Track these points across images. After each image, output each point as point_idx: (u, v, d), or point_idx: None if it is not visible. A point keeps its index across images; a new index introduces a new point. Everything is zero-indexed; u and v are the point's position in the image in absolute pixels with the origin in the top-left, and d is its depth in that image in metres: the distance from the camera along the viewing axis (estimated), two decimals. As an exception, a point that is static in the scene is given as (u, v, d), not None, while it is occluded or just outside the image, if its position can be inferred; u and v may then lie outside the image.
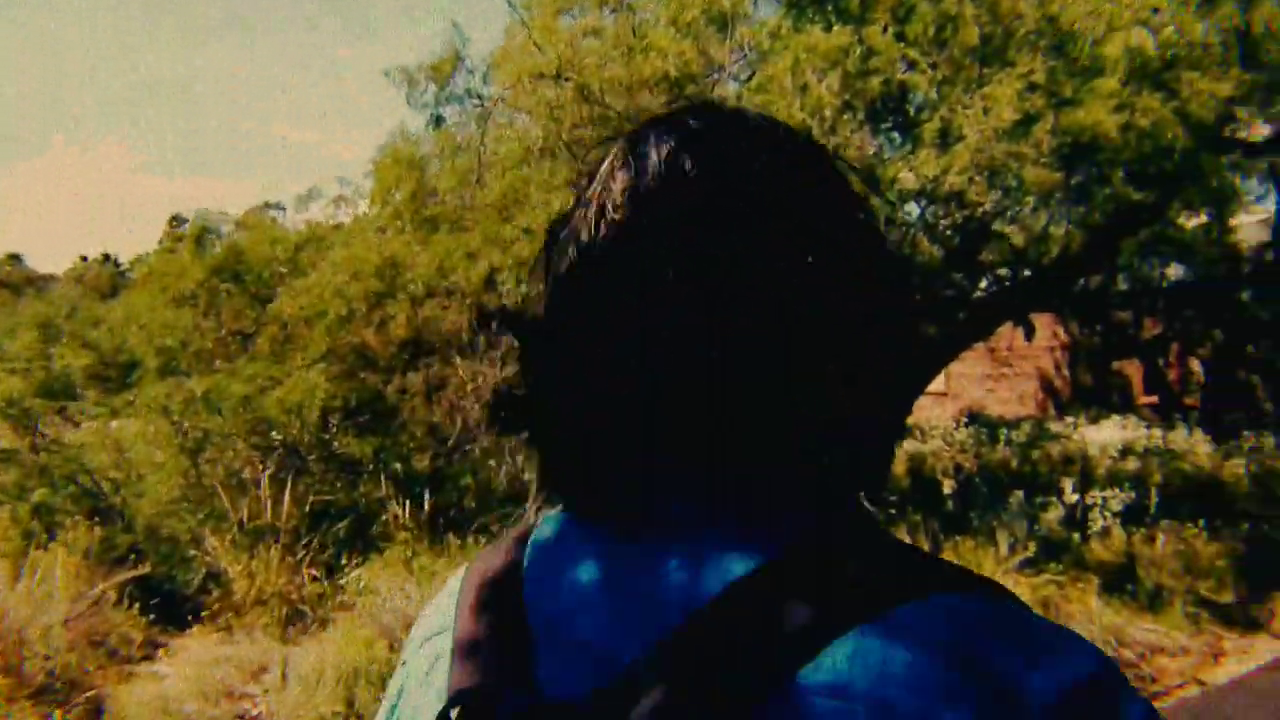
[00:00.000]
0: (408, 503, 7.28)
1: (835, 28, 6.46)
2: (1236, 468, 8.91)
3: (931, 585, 0.53)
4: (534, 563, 0.63)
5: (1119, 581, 6.66)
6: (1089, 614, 5.89)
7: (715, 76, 7.26)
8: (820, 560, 0.54)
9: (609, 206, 0.60)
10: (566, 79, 6.42)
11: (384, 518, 7.40)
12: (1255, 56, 6.10)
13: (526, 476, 7.62)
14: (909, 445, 11.73)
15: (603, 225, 0.60)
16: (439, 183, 8.58)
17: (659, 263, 0.57)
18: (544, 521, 0.66)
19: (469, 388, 7.56)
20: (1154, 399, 15.27)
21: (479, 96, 9.17)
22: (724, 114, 0.64)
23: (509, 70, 6.93)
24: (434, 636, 0.65)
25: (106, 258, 41.27)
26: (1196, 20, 6.00)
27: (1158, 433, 11.16)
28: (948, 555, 5.39)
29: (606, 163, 0.63)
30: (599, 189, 0.62)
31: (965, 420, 14.66)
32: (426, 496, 7.37)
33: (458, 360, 7.76)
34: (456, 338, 7.83)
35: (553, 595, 0.60)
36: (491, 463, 7.85)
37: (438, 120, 9.73)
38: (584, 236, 0.61)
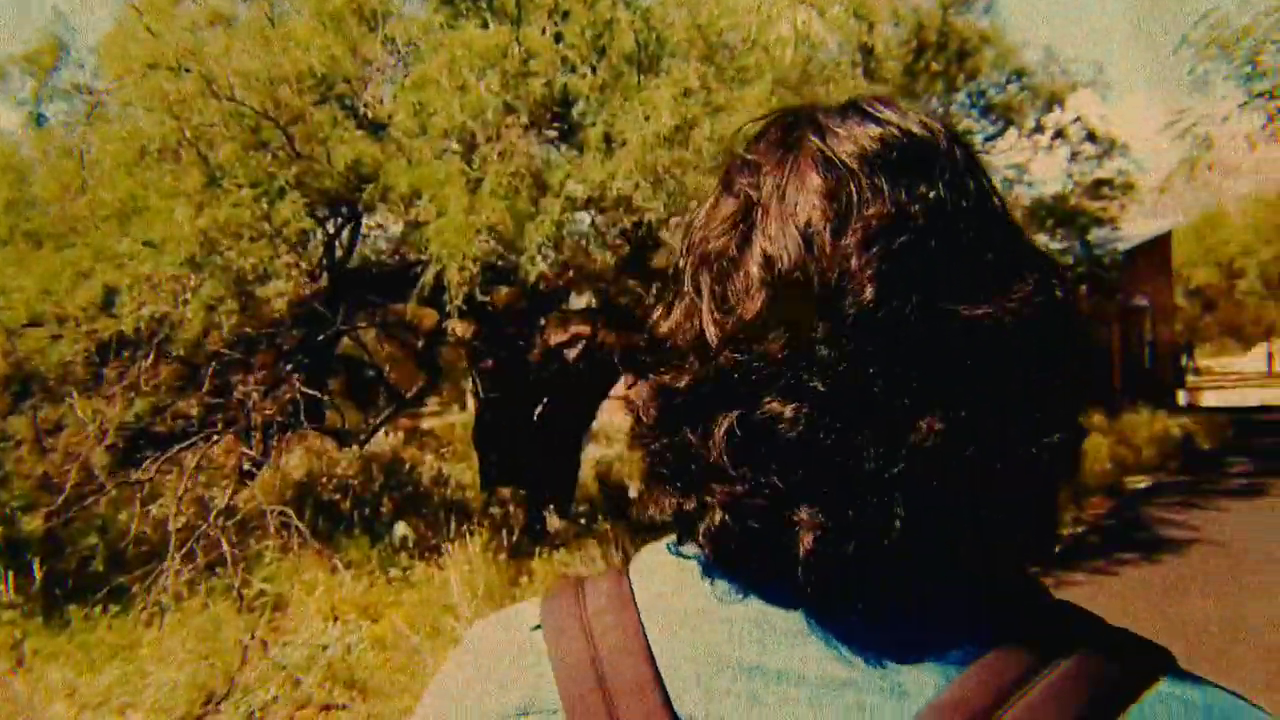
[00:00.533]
0: (12, 574, 6.04)
1: (493, 27, 6.20)
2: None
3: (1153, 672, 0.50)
4: (682, 641, 0.54)
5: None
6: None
7: (368, 74, 6.72)
8: (1039, 652, 0.50)
9: (815, 219, 0.51)
10: (189, 70, 5.61)
11: (-19, 596, 6.09)
12: (877, 72, 6.65)
13: (171, 528, 6.61)
14: (595, 452, 11.78)
15: (809, 243, 0.50)
16: (42, 191, 7.30)
17: (887, 291, 0.49)
18: (655, 570, 0.58)
19: (90, 429, 6.42)
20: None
21: (90, 92, 7.96)
22: (900, 108, 0.55)
23: (118, 59, 5.95)
24: (516, 717, 0.55)
25: None
26: (822, 41, 6.42)
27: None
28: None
29: (780, 157, 0.54)
30: (790, 193, 0.52)
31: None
32: (37, 564, 6.16)
33: (74, 398, 6.57)
34: (72, 372, 6.63)
35: (707, 677, 0.52)
36: (122, 515, 6.73)
37: (39, 119, 8.38)
38: (782, 253, 0.51)
